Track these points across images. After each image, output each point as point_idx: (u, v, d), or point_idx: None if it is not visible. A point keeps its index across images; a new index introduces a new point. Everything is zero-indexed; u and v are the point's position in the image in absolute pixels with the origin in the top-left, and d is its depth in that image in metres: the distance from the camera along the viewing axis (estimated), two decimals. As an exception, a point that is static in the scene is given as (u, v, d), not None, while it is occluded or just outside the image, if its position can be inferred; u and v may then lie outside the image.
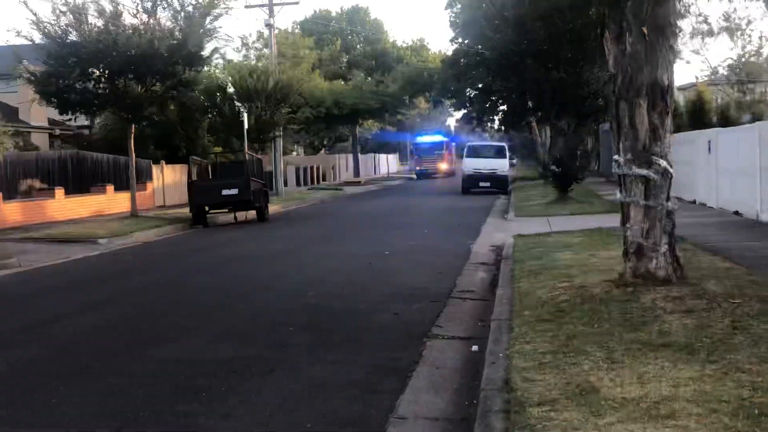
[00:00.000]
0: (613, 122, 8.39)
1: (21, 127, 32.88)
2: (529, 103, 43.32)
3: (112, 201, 28.71)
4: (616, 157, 8.32)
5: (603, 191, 28.66)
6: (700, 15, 42.20)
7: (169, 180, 33.04)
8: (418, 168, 59.71)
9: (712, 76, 46.70)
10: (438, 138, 62.55)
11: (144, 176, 31.22)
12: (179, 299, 10.65)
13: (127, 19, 23.73)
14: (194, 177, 24.33)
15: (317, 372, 6.59)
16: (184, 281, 12.42)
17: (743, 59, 45.62)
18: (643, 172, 8.06)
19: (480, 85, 47.53)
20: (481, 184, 36.66)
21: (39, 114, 34.03)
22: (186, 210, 25.01)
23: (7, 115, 32.08)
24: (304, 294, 10.53)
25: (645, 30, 8.01)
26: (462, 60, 46.47)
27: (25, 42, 23.09)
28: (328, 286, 11.14)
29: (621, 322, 6.86)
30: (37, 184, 27.09)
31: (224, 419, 5.48)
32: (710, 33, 44.92)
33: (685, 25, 41.24)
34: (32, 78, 23.35)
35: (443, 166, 58.60)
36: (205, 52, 24.76)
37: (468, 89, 49.38)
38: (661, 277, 8.09)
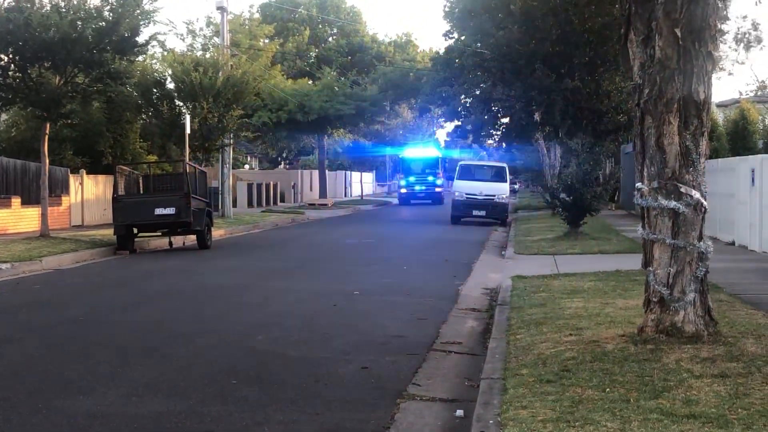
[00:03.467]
0: (637, 143, 8.47)
1: None
2: (536, 116, 43.68)
3: (19, 217, 28.47)
4: (639, 185, 8.41)
5: (622, 226, 28.88)
6: (745, 18, 42.94)
7: (90, 193, 32.86)
8: (402, 190, 59.26)
9: (760, 92, 47.41)
10: (431, 152, 61.97)
11: (59, 188, 31.02)
12: (97, 340, 10.57)
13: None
14: (121, 191, 24.24)
15: (264, 436, 6.57)
16: (104, 319, 12.34)
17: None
18: (672, 204, 8.15)
19: (477, 92, 47.84)
20: (475, 212, 36.79)
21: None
22: (109, 231, 24.90)
23: None
24: (252, 339, 10.50)
25: (678, 32, 8.13)
26: (457, 60, 46.83)
27: None
28: (282, 331, 11.11)
29: (639, 387, 6.90)
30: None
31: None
32: (758, 40, 45.71)
33: (729, 28, 41.92)
34: None
35: (434, 188, 58.56)
36: (141, 39, 24.75)
37: (463, 96, 49.70)
38: (689, 332, 8.16)
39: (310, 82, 63.48)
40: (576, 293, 13.00)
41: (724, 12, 8.69)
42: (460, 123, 53.14)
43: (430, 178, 58.49)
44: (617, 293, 12.75)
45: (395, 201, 61.55)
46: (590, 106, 39.26)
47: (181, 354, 9.72)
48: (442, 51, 50.56)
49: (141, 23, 24.36)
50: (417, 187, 58.19)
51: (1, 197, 28.59)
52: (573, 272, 16.22)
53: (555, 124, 41.36)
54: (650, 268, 8.36)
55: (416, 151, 61.71)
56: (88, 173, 32.89)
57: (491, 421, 6.28)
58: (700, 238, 8.24)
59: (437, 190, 58.46)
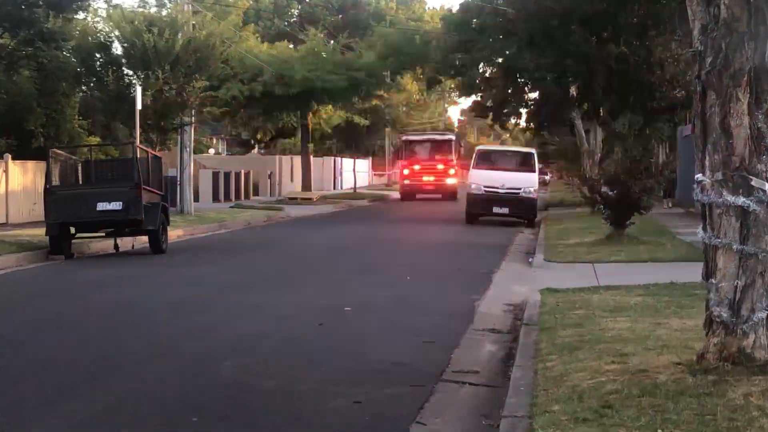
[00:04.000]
0: (697, 124, 8.43)
1: None
2: (572, 91, 43.68)
3: (-73, 212, 28.40)
4: (699, 176, 8.39)
5: (679, 227, 28.87)
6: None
7: (16, 184, 32.80)
8: (405, 181, 58.87)
9: None
10: (442, 133, 61.72)
11: (-23, 176, 31.02)
12: (22, 368, 10.57)
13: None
14: (55, 180, 24.22)
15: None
16: (32, 340, 12.33)
17: None
18: (740, 201, 8.13)
19: (500, 60, 47.80)
20: (496, 209, 36.77)
21: None
22: (40, 231, 24.84)
23: None
24: (218, 365, 10.47)
25: (749, -13, 8.11)
26: (474, 20, 46.78)
27: None
28: (256, 355, 11.10)
29: (698, 428, 6.89)
30: None
31: None
32: None
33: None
34: None
35: (448, 179, 57.77)
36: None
37: (482, 65, 49.68)
38: (760, 360, 8.15)
39: (291, 46, 63.42)
40: (620, 311, 12.99)
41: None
42: (478, 98, 53.19)
43: (441, 167, 57.72)
44: (671, 311, 12.75)
45: (396, 194, 61.30)
46: (639, 78, 39.18)
47: (129, 385, 9.69)
48: (455, 9, 50.62)
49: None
50: (424, 178, 57.67)
51: None
52: (617, 285, 16.20)
53: (595, 100, 41.38)
54: (713, 280, 8.34)
55: (423, 133, 61.57)
56: (14, 158, 32.81)
57: (514, 470, 6.28)
58: (776, 243, 8.22)
59: (449, 181, 57.78)
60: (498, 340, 12.57)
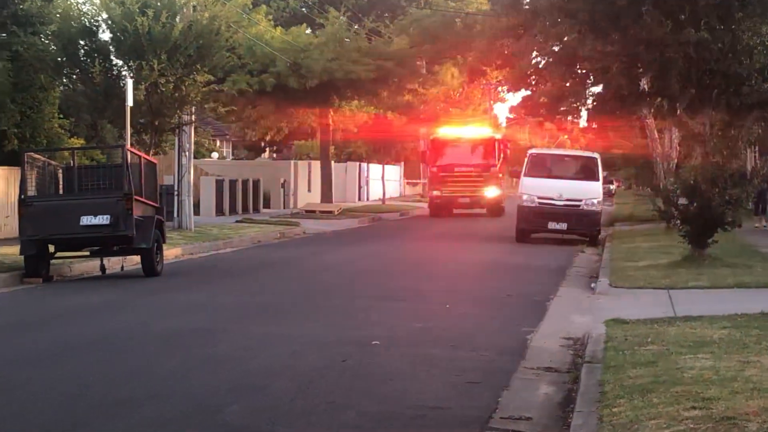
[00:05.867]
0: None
1: None
2: (643, 83, 43.55)
3: None
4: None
5: (771, 247, 28.81)
6: None
7: (-15, 193, 33.01)
8: (434, 192, 55.74)
9: None
10: (482, 132, 59.58)
11: (-60, 185, 31.23)
12: (-6, 411, 10.63)
13: None
14: (31, 190, 24.33)
15: None
16: (5, 379, 12.34)
17: None
18: None
19: (557, 47, 47.74)
20: (552, 224, 36.70)
21: None
22: (14, 249, 24.98)
23: None
24: (224, 409, 10.49)
25: None
26: (527, 1, 46.78)
27: None
28: (267, 398, 11.11)
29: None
30: None
31: None
32: None
33: None
34: None
35: (489, 191, 54.65)
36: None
37: (535, 53, 49.62)
38: None
39: (309, 31, 63.53)
40: (702, 346, 12.93)
41: None
42: (530, 92, 53.04)
43: (482, 175, 54.86)
44: (763, 347, 12.69)
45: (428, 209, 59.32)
46: (723, 68, 39.01)
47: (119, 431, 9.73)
48: (504, -14, 50.53)
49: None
50: (459, 189, 54.44)
51: None
52: (697, 315, 16.13)
53: (671, 94, 41.21)
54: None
55: (458, 131, 59.92)
56: (-17, 164, 33.05)
57: None
58: None
59: (491, 192, 54.80)
60: (555, 381, 12.55)
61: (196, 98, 36.89)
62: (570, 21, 43.19)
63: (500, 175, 56.96)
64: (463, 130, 59.99)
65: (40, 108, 36.27)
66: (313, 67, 54.34)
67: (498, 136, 60.47)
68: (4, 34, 24.99)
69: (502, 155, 57.01)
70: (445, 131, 59.55)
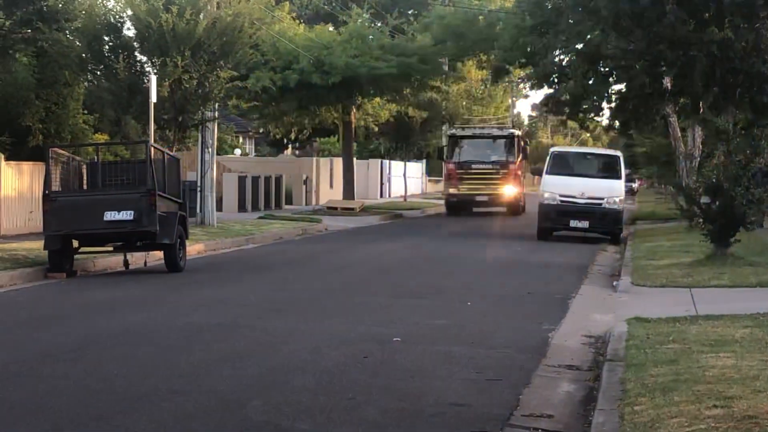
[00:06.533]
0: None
1: None
2: (666, 82, 43.43)
3: None
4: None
5: (794, 246, 28.70)
6: None
7: (10, 188, 33.06)
8: (451, 190, 54.60)
9: None
10: (498, 128, 59.01)
11: (-35, 180, 31.32)
12: (19, 404, 10.66)
13: None
14: (56, 185, 24.38)
15: None
16: (30, 372, 12.44)
17: None
18: None
19: (580, 46, 47.64)
20: (574, 222, 36.64)
21: None
22: (38, 244, 25.03)
23: None
24: (245, 405, 10.53)
25: None
26: (550, 1, 46.66)
27: None
28: (288, 393, 11.15)
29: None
30: None
31: None
32: None
33: None
34: None
35: (508, 189, 53.24)
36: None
37: (558, 51, 49.49)
38: None
39: (332, 28, 63.53)
40: (723, 345, 12.92)
41: None
42: (552, 90, 52.89)
43: (501, 173, 53.41)
44: (785, 346, 12.67)
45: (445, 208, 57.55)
46: (747, 66, 38.85)
47: (141, 425, 9.76)
48: (527, -15, 50.41)
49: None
50: (476, 186, 53.16)
51: None
52: (719, 314, 16.11)
53: (694, 93, 41.06)
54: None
55: (476, 127, 59.19)
56: (7, 159, 33.11)
57: None
58: None
59: (511, 190, 53.40)
60: (576, 379, 12.56)
61: (219, 95, 36.93)
62: (593, 19, 43.15)
63: (519, 173, 55.03)
64: (480, 127, 59.58)
65: (65, 104, 36.33)
66: (336, 64, 54.28)
67: (517, 132, 59.40)
68: (29, 30, 25.01)
69: (521, 152, 55.78)
70: (462, 127, 58.97)
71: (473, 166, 53.66)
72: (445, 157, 56.65)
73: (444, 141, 70.32)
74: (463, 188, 53.55)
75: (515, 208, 53.22)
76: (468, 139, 55.80)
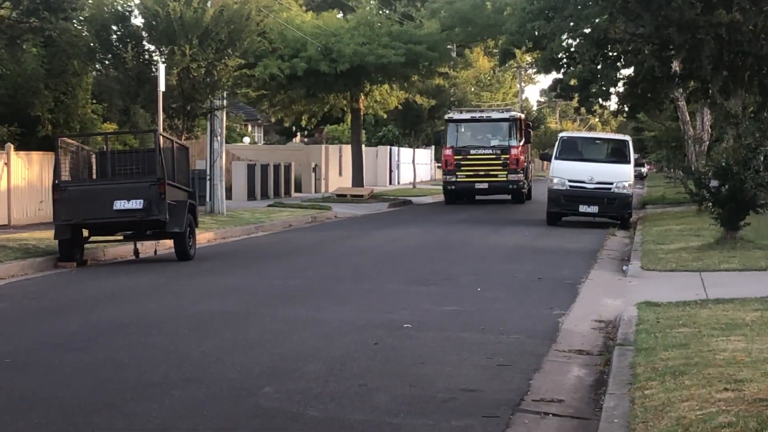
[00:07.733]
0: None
1: None
2: (675, 65, 43.33)
3: None
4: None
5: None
6: None
7: (20, 178, 33.11)
8: (448, 177, 51.44)
9: None
10: (499, 111, 57.46)
11: (-26, 170, 31.36)
12: (31, 392, 10.69)
13: None
14: (65, 175, 24.40)
15: None
16: (41, 361, 12.48)
17: None
18: None
19: (587, 30, 47.54)
20: (583, 207, 36.63)
21: None
22: (48, 234, 25.08)
23: None
24: (257, 391, 10.56)
25: None
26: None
27: None
28: (300, 380, 11.17)
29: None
30: None
31: None
32: None
33: None
34: None
35: (510, 175, 50.49)
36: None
37: (565, 35, 49.39)
38: None
39: (340, 15, 63.49)
40: (734, 328, 12.92)
41: None
42: (560, 75, 52.78)
43: (501, 159, 50.62)
44: (796, 329, 12.66)
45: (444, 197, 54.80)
46: (756, 49, 38.76)
47: (152, 413, 9.78)
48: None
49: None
50: (476, 173, 50.35)
51: None
52: (729, 297, 16.11)
53: (703, 76, 40.97)
54: None
55: (475, 110, 57.74)
56: (17, 149, 33.14)
57: None
58: None
59: (513, 176, 50.60)
60: (586, 363, 12.56)
61: (227, 83, 36.95)
62: (601, 3, 43.07)
63: (522, 158, 51.80)
64: (481, 111, 58.60)
65: (74, 93, 36.38)
66: (344, 52, 54.23)
67: (518, 114, 56.30)
68: (36, 20, 24.99)
69: (524, 136, 53.18)
70: (460, 110, 57.00)
71: (472, 151, 51.00)
72: (442, 142, 53.57)
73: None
74: (462, 176, 50.80)
75: (519, 196, 51.58)
76: (466, 123, 53.02)
